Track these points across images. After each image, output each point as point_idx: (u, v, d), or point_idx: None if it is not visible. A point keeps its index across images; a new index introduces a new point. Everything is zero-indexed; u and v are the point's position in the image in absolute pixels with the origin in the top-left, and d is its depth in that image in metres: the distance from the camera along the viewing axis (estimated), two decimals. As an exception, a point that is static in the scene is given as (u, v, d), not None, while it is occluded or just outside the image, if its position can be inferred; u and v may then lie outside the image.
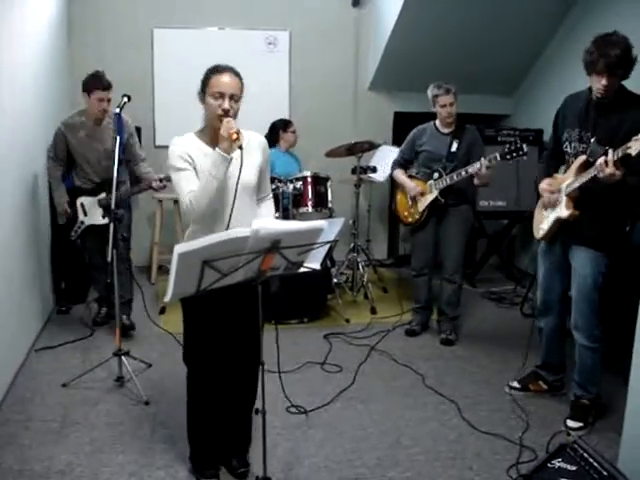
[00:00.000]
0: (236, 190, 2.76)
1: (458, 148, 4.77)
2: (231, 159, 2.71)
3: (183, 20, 6.72)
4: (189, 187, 2.75)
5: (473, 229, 5.44)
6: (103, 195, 4.76)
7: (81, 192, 4.86)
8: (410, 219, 5.03)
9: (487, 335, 5.17)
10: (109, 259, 4.01)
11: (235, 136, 2.68)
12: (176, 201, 6.44)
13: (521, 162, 6.31)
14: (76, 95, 5.23)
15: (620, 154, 3.13)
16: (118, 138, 4.10)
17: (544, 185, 3.70)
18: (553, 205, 3.65)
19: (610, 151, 3.17)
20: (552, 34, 6.34)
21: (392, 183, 7.04)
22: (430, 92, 4.78)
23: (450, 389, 4.15)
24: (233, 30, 6.84)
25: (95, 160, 4.77)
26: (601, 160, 3.20)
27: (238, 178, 2.75)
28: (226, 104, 2.75)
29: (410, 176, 5.02)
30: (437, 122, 4.90)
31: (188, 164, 2.79)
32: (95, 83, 4.58)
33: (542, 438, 3.49)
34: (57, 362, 4.45)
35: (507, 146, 4.40)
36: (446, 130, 4.85)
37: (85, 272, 5.29)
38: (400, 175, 5.06)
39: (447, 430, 3.65)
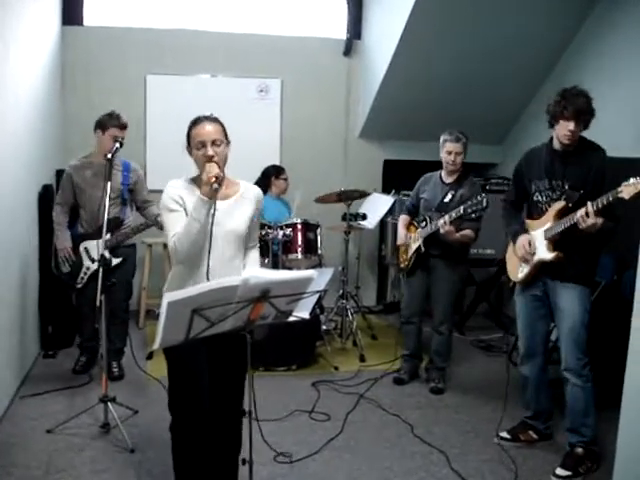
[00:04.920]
0: (219, 239, 2.84)
1: (451, 199, 4.76)
2: (212, 203, 2.76)
3: (176, 67, 6.80)
4: (176, 228, 2.81)
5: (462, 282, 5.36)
6: (108, 237, 4.55)
7: (85, 237, 4.82)
8: (402, 265, 5.09)
9: (476, 383, 5.15)
10: (97, 304, 3.99)
11: (213, 180, 2.73)
12: (165, 245, 6.42)
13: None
14: (69, 140, 5.27)
15: (605, 202, 3.24)
16: (109, 183, 4.11)
17: (525, 241, 3.77)
18: (531, 257, 3.74)
19: (589, 203, 3.30)
20: (540, 84, 6.45)
21: (381, 230, 7.11)
22: (442, 137, 4.78)
23: (439, 439, 4.12)
24: (225, 77, 6.92)
25: (99, 199, 4.61)
26: (582, 212, 3.32)
27: (212, 225, 2.79)
28: (209, 151, 2.82)
29: (412, 223, 5.05)
30: (442, 171, 4.90)
31: (179, 206, 2.85)
32: (113, 121, 4.62)
33: (531, 489, 3.48)
34: (42, 407, 4.39)
35: (471, 202, 4.41)
36: (448, 180, 4.85)
37: (73, 317, 5.24)
38: (400, 222, 5.13)
39: (436, 481, 3.62)
